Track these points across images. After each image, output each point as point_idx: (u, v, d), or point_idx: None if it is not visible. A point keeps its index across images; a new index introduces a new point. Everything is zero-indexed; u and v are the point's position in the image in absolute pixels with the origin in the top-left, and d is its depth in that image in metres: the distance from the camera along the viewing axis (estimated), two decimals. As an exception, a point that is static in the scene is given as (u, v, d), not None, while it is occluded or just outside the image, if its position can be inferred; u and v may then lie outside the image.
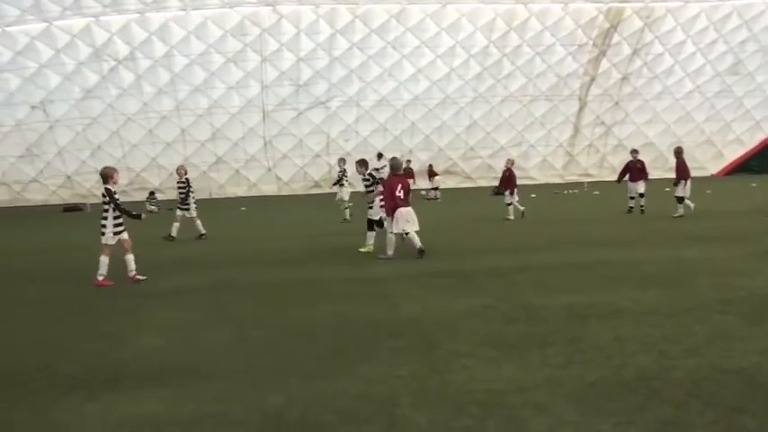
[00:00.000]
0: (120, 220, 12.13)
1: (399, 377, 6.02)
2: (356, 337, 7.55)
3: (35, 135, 38.04)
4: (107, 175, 12.16)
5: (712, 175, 43.49)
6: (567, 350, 6.65)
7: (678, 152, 20.22)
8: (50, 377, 6.51)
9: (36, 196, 39.20)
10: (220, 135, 39.82)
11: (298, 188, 41.21)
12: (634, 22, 40.29)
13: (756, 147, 45.35)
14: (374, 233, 14.87)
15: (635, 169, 21.76)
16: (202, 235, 18.84)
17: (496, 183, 37.22)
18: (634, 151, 22.59)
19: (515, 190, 21.71)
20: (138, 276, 12.00)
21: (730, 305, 8.22)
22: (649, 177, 21.85)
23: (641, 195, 21.30)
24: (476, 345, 6.96)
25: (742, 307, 8.13)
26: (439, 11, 38.31)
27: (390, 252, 13.56)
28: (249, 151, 40.54)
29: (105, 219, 11.99)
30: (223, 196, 40.10)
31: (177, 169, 19.84)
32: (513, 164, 22.82)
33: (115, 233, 11.99)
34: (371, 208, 15.15)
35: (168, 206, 27.51)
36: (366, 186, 15.44)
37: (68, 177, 38.53)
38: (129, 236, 12.30)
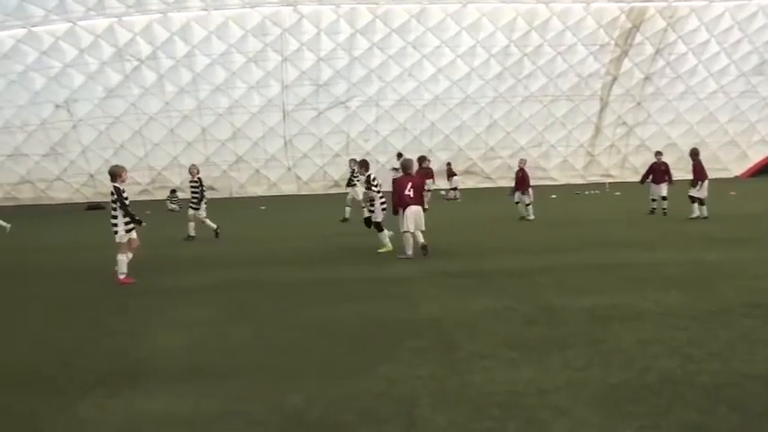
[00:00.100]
0: (129, 219, 12.15)
1: (419, 377, 6.00)
2: (376, 336, 7.54)
3: (59, 134, 38.44)
4: (115, 174, 12.19)
5: (736, 177, 42.99)
6: (588, 352, 6.59)
7: (694, 153, 20.05)
8: (73, 374, 6.57)
9: (60, 194, 39.60)
10: (241, 134, 39.98)
11: (317, 188, 41.27)
12: (657, 21, 39.91)
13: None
14: (386, 232, 14.85)
15: (659, 171, 21.55)
16: (217, 231, 18.81)
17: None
18: (658, 153, 22.43)
19: (530, 190, 21.62)
20: (128, 279, 11.87)
21: (755, 308, 8.11)
22: (674, 180, 21.55)
23: (664, 198, 21.09)
24: (496, 346, 6.92)
25: (767, 310, 8.02)
26: (459, 10, 38.18)
27: (410, 251, 13.55)
28: (269, 151, 40.67)
29: (115, 217, 11.99)
30: (243, 195, 40.25)
31: (189, 168, 19.89)
32: (525, 163, 22.75)
33: (127, 231, 12.03)
34: (373, 210, 15.11)
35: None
36: (366, 188, 15.42)
37: (91, 176, 38.85)
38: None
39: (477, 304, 9.00)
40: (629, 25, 39.96)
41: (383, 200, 15.14)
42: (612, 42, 40.48)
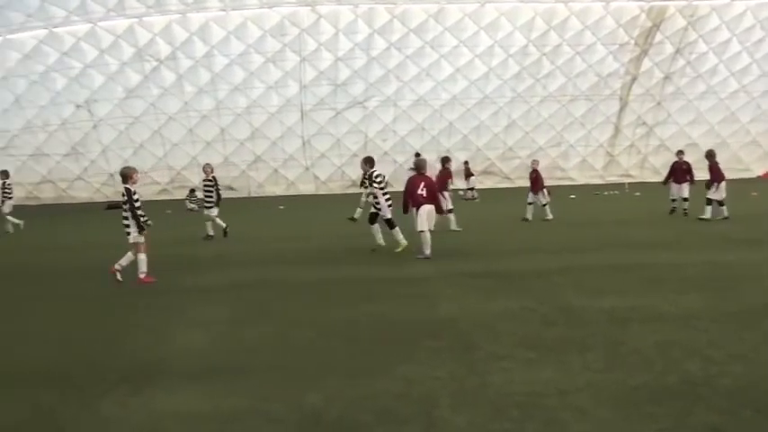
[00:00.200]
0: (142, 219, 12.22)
1: (438, 378, 5.99)
2: (394, 337, 7.54)
3: (80, 134, 38.81)
4: (126, 176, 12.26)
5: (759, 177, 42.54)
6: (607, 354, 6.55)
7: (710, 155, 19.89)
8: (95, 372, 6.62)
9: (81, 194, 39.97)
10: (259, 134, 40.13)
11: (335, 187, 41.34)
12: (677, 20, 39.59)
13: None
14: (398, 229, 14.85)
15: (680, 170, 21.37)
16: (226, 228, 18.87)
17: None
18: (680, 152, 22.26)
19: (544, 190, 21.57)
20: (119, 277, 11.89)
21: (777, 310, 8.03)
22: (695, 180, 21.35)
23: (685, 200, 20.90)
24: (514, 346, 6.90)
25: (789, 312, 7.94)
26: (477, 10, 38.09)
27: (428, 251, 13.54)
28: (287, 150, 40.80)
29: (127, 218, 12.08)
30: (262, 195, 40.40)
31: (204, 167, 19.90)
32: (538, 164, 22.70)
33: (139, 231, 12.09)
34: (380, 208, 15.09)
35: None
36: (368, 185, 15.42)
37: (111, 175, 39.13)
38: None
39: (496, 304, 8.98)
40: (649, 24, 39.68)
41: (387, 196, 15.14)
42: (632, 41, 40.21)
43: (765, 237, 15.06)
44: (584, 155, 43.08)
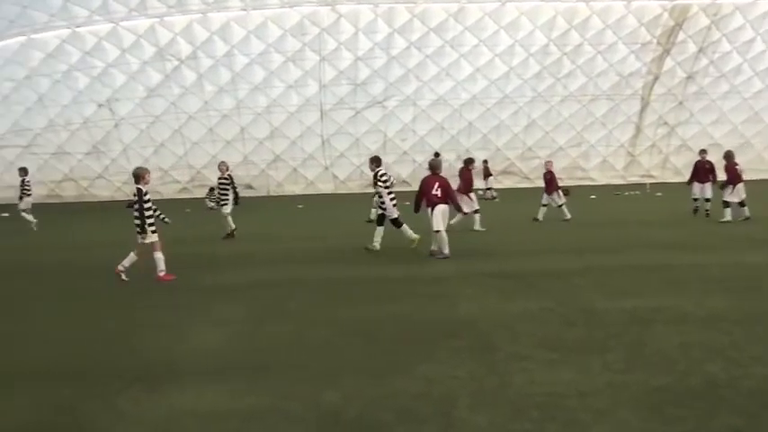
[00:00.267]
0: (152, 220, 12.26)
1: (457, 378, 5.96)
2: (414, 336, 7.51)
3: (101, 132, 39.13)
4: (139, 176, 12.33)
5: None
6: (629, 355, 6.49)
7: (728, 156, 19.70)
8: (114, 369, 6.66)
9: (102, 192, 40.30)
10: (279, 133, 40.24)
11: (354, 187, 41.32)
12: (700, 19, 39.18)
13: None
14: (405, 226, 14.92)
15: (703, 169, 21.15)
16: (234, 231, 18.74)
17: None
18: (702, 151, 22.01)
19: (559, 192, 21.49)
20: (124, 277, 11.91)
21: (802, 312, 7.92)
22: (718, 179, 21.13)
23: (707, 200, 20.69)
24: (534, 347, 6.85)
25: (815, 314, 7.83)
26: (498, 9, 37.95)
27: (446, 250, 13.52)
28: (307, 150, 40.87)
29: (146, 219, 12.14)
30: (281, 194, 40.50)
31: (219, 165, 19.84)
32: (552, 165, 22.61)
33: (152, 231, 12.12)
34: (384, 208, 15.08)
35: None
36: (374, 184, 15.42)
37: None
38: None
39: (516, 305, 8.93)
40: (671, 23, 39.31)
41: (392, 195, 15.19)
42: (654, 41, 39.86)
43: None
44: (604, 155, 42.77)
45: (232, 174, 19.93)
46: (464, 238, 16.57)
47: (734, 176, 19.24)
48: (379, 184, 15.07)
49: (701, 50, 40.13)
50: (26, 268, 14.53)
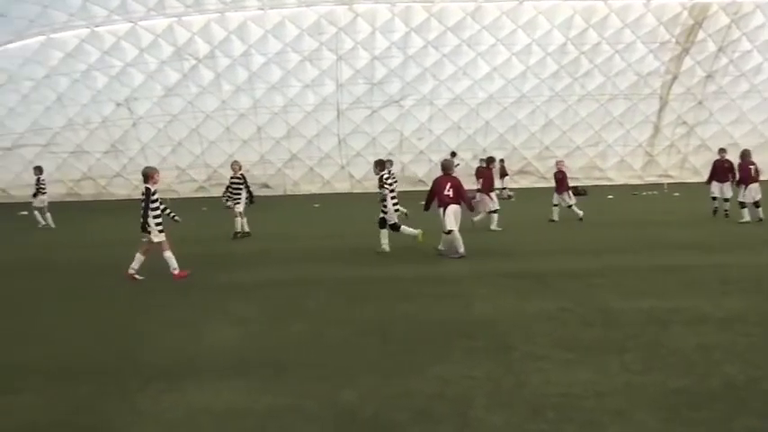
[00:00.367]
0: (160, 219, 12.29)
1: (473, 378, 5.95)
2: (429, 336, 7.51)
3: (119, 131, 39.38)
4: (147, 175, 12.40)
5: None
6: (646, 356, 6.45)
7: (743, 155, 19.64)
8: (133, 366, 6.71)
9: (120, 191, 40.54)
10: (295, 133, 40.30)
11: (370, 186, 41.15)
12: (720, 18, 38.81)
13: None
14: (404, 227, 14.99)
15: (722, 168, 20.94)
16: (237, 233, 18.60)
17: (571, 183, 36.70)
18: (722, 150, 21.78)
19: (569, 192, 21.42)
20: (137, 276, 11.98)
21: (823, 314, 7.83)
22: (737, 179, 20.91)
23: (726, 200, 20.50)
24: (551, 347, 6.82)
25: (836, 316, 7.74)
26: (515, 8, 37.79)
27: (461, 249, 13.51)
28: (323, 149, 40.90)
29: (155, 217, 12.19)
30: (297, 193, 40.57)
31: (232, 165, 19.82)
32: (563, 164, 22.49)
33: (159, 230, 12.18)
34: (386, 211, 15.05)
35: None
36: (379, 187, 15.37)
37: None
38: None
39: (532, 305, 8.90)
40: (691, 22, 38.96)
41: (396, 200, 15.35)
42: (673, 40, 39.53)
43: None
44: (622, 155, 42.47)
45: (245, 173, 19.95)
46: (480, 237, 16.53)
47: (746, 176, 19.09)
48: (386, 186, 15.11)
49: (720, 49, 39.76)
50: (43, 266, 14.65)
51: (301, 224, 22.99)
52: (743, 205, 18.95)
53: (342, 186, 41.28)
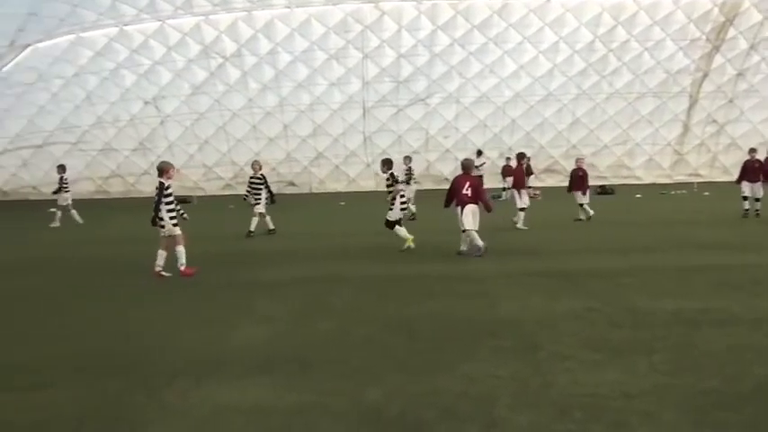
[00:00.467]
0: (174, 213, 12.37)
1: (500, 377, 5.91)
2: (456, 334, 7.48)
3: (147, 129, 39.74)
4: (162, 170, 12.48)
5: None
6: (676, 357, 6.37)
7: None
8: (160, 363, 6.76)
9: (148, 188, 40.78)
10: (321, 131, 40.40)
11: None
12: (752, 15, 38.21)
13: None
14: (397, 227, 15.02)
15: (752, 168, 20.65)
16: (251, 232, 18.65)
17: (599, 182, 36.40)
18: (752, 150, 21.48)
19: (585, 191, 21.21)
20: (164, 273, 12.07)
21: None
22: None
23: (757, 200, 20.20)
24: (578, 347, 6.76)
25: None
26: (542, 6, 37.55)
27: (481, 243, 13.48)
28: (349, 147, 40.95)
29: (170, 211, 12.29)
30: (323, 191, 40.68)
31: (252, 164, 19.84)
32: (584, 162, 22.26)
33: (173, 224, 12.26)
34: (392, 209, 15.11)
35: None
36: (387, 186, 15.40)
37: (177, 170, 39.74)
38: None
39: (559, 304, 8.83)
40: (721, 19, 38.42)
41: (404, 199, 15.44)
42: (704, 37, 39.01)
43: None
44: (650, 153, 42.01)
45: (271, 171, 20.08)
46: (505, 236, 16.46)
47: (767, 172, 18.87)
48: (401, 180, 15.27)
49: (752, 47, 39.15)
50: (70, 263, 14.83)
51: (327, 222, 23.05)
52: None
53: (367, 184, 41.27)
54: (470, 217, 13.71)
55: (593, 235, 17.10)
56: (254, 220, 18.83)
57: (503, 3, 37.19)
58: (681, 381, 5.69)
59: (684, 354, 6.46)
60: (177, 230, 12.28)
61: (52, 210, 24.40)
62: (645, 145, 41.67)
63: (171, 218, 12.27)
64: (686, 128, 41.45)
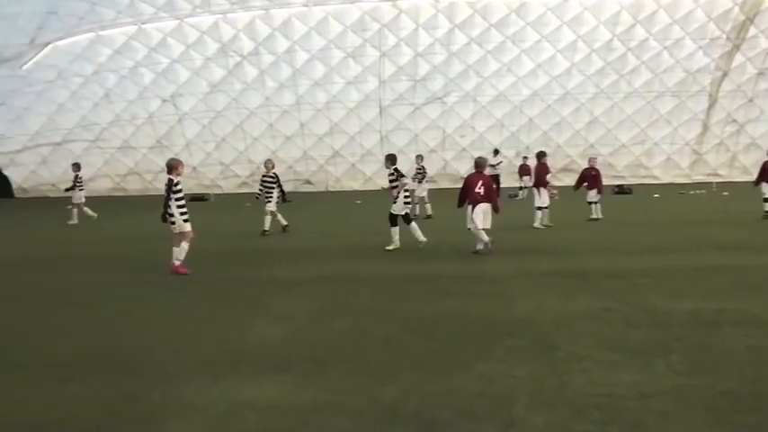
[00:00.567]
0: (185, 209, 12.43)
1: (516, 377, 5.91)
2: (472, 333, 7.48)
3: (165, 127, 39.99)
4: (171, 167, 12.51)
5: None
6: (693, 357, 6.33)
7: None
8: (176, 360, 6.80)
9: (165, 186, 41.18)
10: (338, 129, 40.47)
11: (411, 183, 41.21)
12: (773, 13, 37.88)
13: None
14: (398, 228, 15.01)
15: (771, 169, 20.45)
16: (266, 231, 18.63)
17: (616, 181, 36.19)
18: (771, 150, 21.27)
19: (597, 190, 21.06)
20: (182, 269, 12.07)
21: None
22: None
23: (776, 201, 20.00)
24: (595, 348, 6.74)
25: None
26: (561, 4, 37.38)
27: (486, 238, 13.55)
28: (365, 145, 40.99)
29: (180, 207, 12.35)
30: (339, 189, 40.76)
31: (265, 163, 19.81)
32: (596, 161, 22.13)
33: (184, 220, 12.30)
34: (395, 203, 15.15)
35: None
36: (390, 182, 15.46)
37: (194, 168, 40.10)
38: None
39: (575, 304, 8.80)
40: (742, 18, 38.07)
41: (407, 194, 15.52)
42: (724, 36, 38.67)
43: None
44: (669, 153, 41.73)
45: (288, 170, 20.17)
46: (521, 235, 16.41)
47: None
48: (405, 175, 15.37)
49: (772, 46, 38.79)
50: (89, 262, 14.92)
51: (343, 220, 23.08)
52: None
53: (383, 183, 41.23)
54: (482, 216, 13.71)
55: (609, 234, 17.02)
56: (267, 219, 18.89)
57: (520, 1, 37.10)
58: (699, 381, 5.66)
59: (702, 354, 6.42)
60: (188, 227, 12.33)
61: (68, 207, 24.60)
62: (663, 144, 41.40)
63: (181, 214, 12.33)
64: (705, 127, 41.13)
